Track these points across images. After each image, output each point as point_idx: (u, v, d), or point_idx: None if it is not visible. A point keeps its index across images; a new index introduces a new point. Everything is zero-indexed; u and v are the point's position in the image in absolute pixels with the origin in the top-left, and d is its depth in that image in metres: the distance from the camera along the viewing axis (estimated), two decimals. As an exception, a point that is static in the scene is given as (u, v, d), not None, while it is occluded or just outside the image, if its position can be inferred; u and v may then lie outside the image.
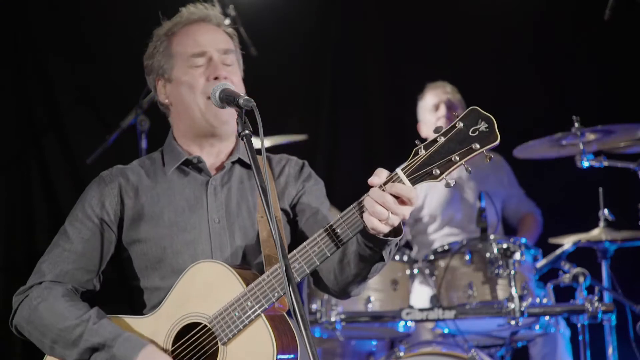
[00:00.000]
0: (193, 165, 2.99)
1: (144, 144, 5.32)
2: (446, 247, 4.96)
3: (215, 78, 2.91)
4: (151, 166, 3.04)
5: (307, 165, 3.10)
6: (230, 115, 2.89)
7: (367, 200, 2.49)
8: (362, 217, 2.52)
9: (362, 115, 6.90)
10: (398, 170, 2.50)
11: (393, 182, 2.48)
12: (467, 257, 4.84)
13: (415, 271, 5.09)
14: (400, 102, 6.60)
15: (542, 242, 5.55)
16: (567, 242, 4.97)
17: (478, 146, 2.45)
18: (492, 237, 4.80)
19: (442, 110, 5.85)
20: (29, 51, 6.11)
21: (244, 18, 5.50)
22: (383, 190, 2.47)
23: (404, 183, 2.48)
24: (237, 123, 2.58)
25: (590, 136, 4.84)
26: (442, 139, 2.48)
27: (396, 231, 2.58)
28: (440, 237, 5.84)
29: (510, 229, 6.07)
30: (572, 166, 4.92)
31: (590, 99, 6.30)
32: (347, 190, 6.45)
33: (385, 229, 2.50)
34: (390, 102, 6.81)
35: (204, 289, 2.73)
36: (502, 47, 6.51)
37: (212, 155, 3.02)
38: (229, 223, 2.92)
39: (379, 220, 2.48)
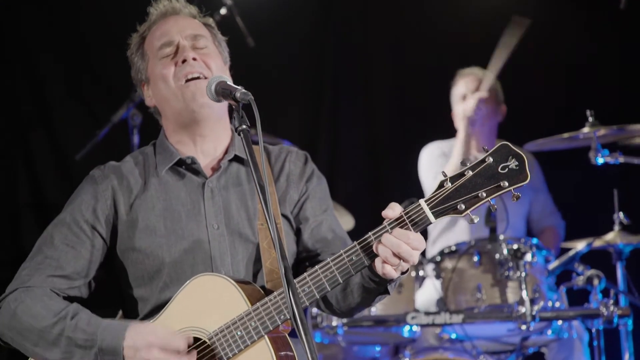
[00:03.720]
0: (187, 166, 2.96)
1: (136, 139, 5.31)
2: (453, 248, 4.93)
3: (184, 61, 2.91)
4: (145, 164, 2.99)
5: (309, 158, 3.07)
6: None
7: (381, 248, 2.52)
8: (366, 256, 2.56)
9: (364, 110, 6.87)
10: (421, 202, 2.53)
11: (415, 214, 2.52)
12: (476, 259, 4.81)
13: (421, 273, 5.06)
14: (404, 96, 6.58)
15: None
16: (580, 244, 4.94)
17: (507, 184, 2.49)
18: (501, 237, 4.77)
19: (469, 101, 5.70)
20: (16, 43, 6.16)
21: (241, 7, 5.48)
22: (395, 236, 2.50)
23: (427, 216, 2.52)
24: (234, 117, 2.55)
25: (604, 131, 4.82)
26: (469, 173, 2.51)
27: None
28: (448, 236, 5.82)
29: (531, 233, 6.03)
30: (585, 163, 4.90)
31: (607, 95, 6.28)
32: (348, 189, 6.44)
33: (396, 275, 2.57)
34: (393, 97, 6.79)
35: (206, 303, 2.71)
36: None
37: (207, 153, 2.98)
38: (229, 229, 2.89)
39: (392, 266, 2.53)
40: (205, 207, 2.90)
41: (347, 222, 5.51)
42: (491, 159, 2.51)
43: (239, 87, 2.58)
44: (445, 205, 2.51)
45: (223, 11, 5.36)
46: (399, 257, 2.51)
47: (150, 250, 2.86)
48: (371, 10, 6.76)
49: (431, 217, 2.51)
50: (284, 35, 6.55)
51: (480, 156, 2.54)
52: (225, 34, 3.16)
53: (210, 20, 3.10)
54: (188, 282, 2.74)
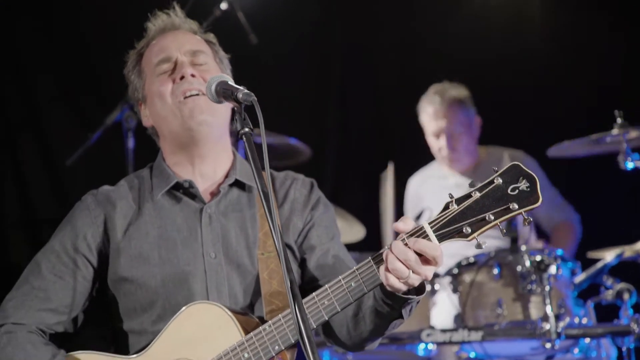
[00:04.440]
0: (184, 190, 2.97)
1: (130, 143, 5.30)
2: (472, 260, 4.90)
3: (182, 78, 2.93)
4: (140, 188, 3.00)
5: (316, 186, 3.07)
6: (209, 113, 2.90)
7: (389, 255, 2.48)
8: (379, 270, 2.53)
9: (375, 111, 6.89)
10: (425, 224, 2.50)
11: (418, 236, 2.48)
12: (496, 271, 4.79)
13: (437, 287, 5.06)
14: (416, 98, 6.60)
15: (580, 254, 5.51)
16: (609, 255, 4.93)
17: (516, 206, 2.45)
18: (523, 248, 4.76)
19: (443, 141, 5.86)
20: (4, 42, 6.17)
21: (243, 1, 5.49)
22: (406, 244, 2.47)
23: (430, 239, 2.48)
24: (236, 120, 2.53)
25: (634, 133, 4.81)
26: (476, 194, 2.48)
27: (418, 289, 2.58)
28: (466, 247, 5.82)
29: (544, 236, 6.03)
30: (614, 168, 4.89)
31: (637, 94, 6.28)
32: (358, 197, 6.44)
33: (403, 288, 2.51)
34: (405, 97, 6.80)
35: (199, 333, 2.71)
36: (526, 41, 6.52)
37: (206, 176, 2.99)
38: (227, 258, 2.89)
39: (398, 279, 2.48)
40: (203, 234, 2.90)
41: (357, 232, 5.52)
42: (500, 180, 2.48)
43: (241, 88, 2.56)
44: (450, 228, 2.47)
45: (224, 6, 5.31)
46: (406, 265, 2.46)
47: (143, 281, 2.86)
48: (378, 4, 6.79)
49: (435, 241, 2.47)
50: (288, 30, 6.57)
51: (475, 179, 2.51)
52: (226, 30, 3.18)
53: (212, 36, 3.12)
54: (182, 309, 2.74)
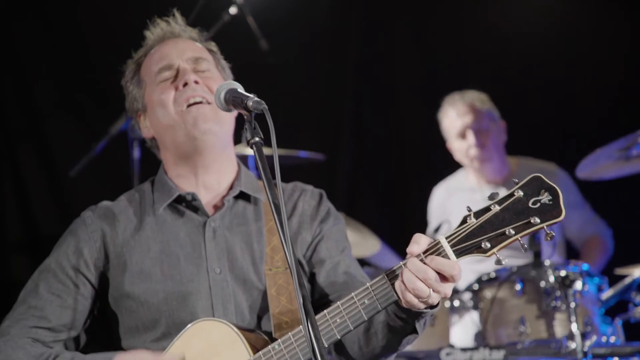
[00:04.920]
0: (187, 203, 2.98)
1: (136, 153, 5.33)
2: (493, 275, 4.91)
3: (185, 85, 2.96)
4: (141, 203, 3.02)
5: (325, 197, 3.09)
6: (215, 122, 2.92)
7: (406, 274, 2.48)
8: (394, 287, 2.53)
9: (390, 121, 6.90)
10: (442, 239, 2.51)
11: (435, 253, 2.49)
12: (518, 287, 4.79)
13: (457, 303, 5.06)
14: (435, 105, 6.61)
15: (608, 270, 5.49)
16: (638, 271, 4.92)
17: (538, 220, 2.46)
18: (547, 263, 4.76)
19: (471, 138, 5.82)
20: (4, 48, 6.17)
21: (253, 5, 5.51)
22: (423, 261, 2.48)
23: (447, 255, 2.48)
24: (245, 129, 2.54)
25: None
26: (496, 208, 2.48)
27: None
28: (486, 261, 5.81)
29: (574, 254, 6.00)
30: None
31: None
32: (371, 216, 6.43)
33: (422, 307, 2.52)
34: (424, 109, 6.81)
35: (206, 351, 2.71)
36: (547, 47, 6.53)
37: (210, 188, 3.00)
38: (232, 274, 2.90)
39: (417, 298, 2.49)
40: (207, 249, 2.92)
41: (372, 245, 5.52)
42: (521, 193, 2.48)
43: (251, 95, 2.56)
44: (468, 243, 2.48)
45: (233, 10, 5.33)
46: (427, 284, 2.46)
47: (145, 298, 2.86)
48: (394, 7, 6.80)
49: (452, 257, 2.48)
50: (300, 36, 6.59)
51: (499, 190, 2.51)
52: (236, 35, 3.21)
53: (212, 44, 3.17)
54: (188, 326, 2.75)
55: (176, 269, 2.89)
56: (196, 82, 2.97)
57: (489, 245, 2.47)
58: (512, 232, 2.45)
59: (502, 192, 2.53)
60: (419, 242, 2.51)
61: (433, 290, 2.48)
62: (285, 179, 3.01)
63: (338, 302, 2.60)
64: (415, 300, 2.49)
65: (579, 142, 5.97)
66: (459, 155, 5.93)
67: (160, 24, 3.12)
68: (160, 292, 2.87)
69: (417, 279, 2.46)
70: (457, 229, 2.50)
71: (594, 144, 5.11)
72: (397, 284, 2.51)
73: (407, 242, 2.62)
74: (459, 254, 2.49)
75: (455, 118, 5.87)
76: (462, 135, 5.86)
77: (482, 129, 5.82)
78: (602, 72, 6.48)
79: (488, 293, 4.88)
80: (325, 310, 2.60)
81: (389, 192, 6.22)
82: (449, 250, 2.49)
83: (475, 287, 4.95)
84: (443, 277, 2.48)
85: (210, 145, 2.96)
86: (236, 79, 3.05)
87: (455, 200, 5.94)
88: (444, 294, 2.50)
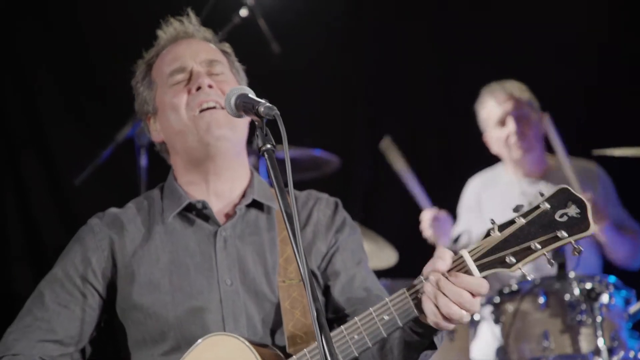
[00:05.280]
0: (198, 211, 2.97)
1: (143, 160, 5.32)
2: (515, 287, 4.89)
3: (198, 88, 2.95)
4: (149, 210, 3.01)
5: (341, 207, 3.07)
6: (228, 127, 2.90)
7: (439, 297, 2.46)
8: (414, 303, 2.52)
9: (407, 124, 6.88)
10: (464, 253, 2.50)
11: (457, 268, 2.48)
12: (542, 300, 4.78)
13: (477, 317, 5.04)
14: (455, 110, 6.58)
15: (636, 282, 5.45)
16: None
17: (565, 234, 2.45)
18: (572, 275, 4.74)
19: (511, 125, 5.74)
20: (6, 51, 6.18)
21: (264, 7, 5.51)
22: (448, 279, 2.46)
23: (470, 270, 2.47)
24: (257, 136, 2.53)
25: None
26: (521, 221, 2.47)
27: None
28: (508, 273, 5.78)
29: (609, 267, 5.93)
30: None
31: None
32: (388, 224, 6.42)
33: (451, 327, 2.51)
34: (442, 112, 6.79)
35: None
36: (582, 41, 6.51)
37: (221, 196, 2.99)
38: (244, 286, 2.88)
39: (448, 320, 2.47)
40: (217, 259, 2.90)
41: (389, 256, 5.51)
42: (547, 205, 2.47)
43: (263, 101, 2.55)
44: (492, 257, 2.47)
45: (243, 12, 5.32)
46: (462, 307, 2.45)
47: (154, 310, 2.85)
48: (411, 7, 6.80)
49: (476, 272, 2.47)
50: (313, 38, 6.59)
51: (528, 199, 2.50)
52: (247, 38, 3.21)
53: (227, 46, 3.15)
54: (199, 341, 2.73)
55: (186, 280, 2.88)
56: (210, 86, 2.96)
57: (513, 260, 2.45)
58: (538, 246, 2.44)
59: (541, 188, 2.51)
60: (444, 258, 2.49)
61: (466, 311, 2.47)
62: (299, 188, 3.01)
63: (355, 318, 2.57)
64: (445, 323, 2.48)
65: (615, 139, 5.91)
66: (496, 146, 5.85)
67: (174, 23, 3.11)
68: (169, 304, 2.85)
69: (452, 303, 2.46)
70: (481, 243, 2.49)
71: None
72: (426, 305, 2.49)
73: (426, 253, 2.60)
74: (483, 268, 2.48)
75: (494, 106, 5.80)
76: (502, 123, 5.77)
77: (522, 117, 5.74)
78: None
79: (510, 306, 4.86)
80: (342, 326, 2.57)
81: (406, 200, 6.19)
82: (472, 265, 2.48)
83: (497, 300, 4.93)
84: (471, 296, 2.48)
85: (223, 152, 2.94)
86: (247, 84, 3.06)
87: (490, 193, 5.85)
88: (474, 312, 2.49)
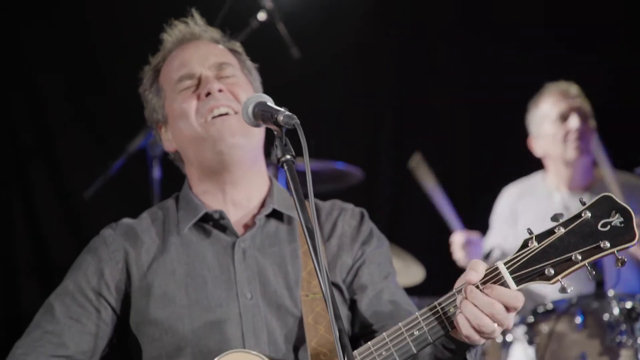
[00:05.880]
0: (214, 222, 2.97)
1: (156, 173, 5.34)
2: (550, 306, 4.89)
3: (208, 94, 2.96)
4: (164, 221, 3.02)
5: (367, 217, 3.05)
6: (242, 134, 2.91)
7: (470, 308, 2.45)
8: (446, 317, 2.51)
9: (435, 133, 6.88)
10: (500, 265, 2.48)
11: (492, 281, 2.47)
12: (579, 320, 4.76)
13: (509, 338, 5.01)
14: (490, 118, 6.57)
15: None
16: None
17: (608, 245, 2.43)
18: (611, 293, 4.72)
19: (575, 121, 5.70)
20: (13, 59, 6.23)
21: (283, 10, 5.52)
22: (482, 291, 2.45)
23: (506, 283, 2.46)
24: (276, 146, 2.52)
25: None
26: (561, 230, 2.46)
27: None
28: (544, 290, 5.76)
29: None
30: None
31: None
32: (414, 239, 6.42)
33: (483, 341, 2.50)
34: (473, 122, 6.79)
35: None
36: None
37: (239, 205, 2.99)
38: (265, 299, 2.87)
39: (480, 334, 2.46)
40: (236, 272, 2.90)
41: (416, 273, 5.50)
42: (589, 214, 2.46)
43: (282, 109, 2.54)
44: (529, 269, 2.45)
45: (262, 16, 5.33)
46: (494, 320, 2.44)
47: (169, 324, 2.85)
48: (439, 12, 6.80)
49: (512, 285, 2.45)
50: (335, 43, 6.62)
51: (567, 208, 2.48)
52: (265, 43, 3.22)
53: (237, 45, 3.16)
54: (217, 358, 2.71)
55: (203, 294, 2.87)
56: (220, 91, 2.97)
57: (552, 271, 2.44)
58: (579, 257, 2.43)
59: (585, 199, 2.50)
60: (477, 270, 2.47)
61: (498, 324, 2.45)
62: (320, 199, 3.01)
63: (384, 334, 2.55)
64: (477, 336, 2.47)
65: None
66: (548, 146, 5.80)
67: (178, 25, 3.12)
68: (185, 318, 2.85)
69: (483, 314, 2.44)
70: (517, 254, 2.47)
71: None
72: (457, 318, 2.47)
73: (454, 269, 2.60)
74: (519, 281, 2.46)
75: (558, 100, 5.76)
76: (564, 118, 5.73)
77: (585, 117, 5.72)
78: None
79: (545, 327, 4.85)
80: (369, 342, 2.56)
81: (433, 214, 6.19)
82: (508, 278, 2.46)
83: (531, 319, 4.91)
84: (505, 308, 2.46)
85: (239, 160, 2.94)
86: (264, 91, 3.02)
87: (527, 203, 5.81)
88: (507, 327, 2.47)
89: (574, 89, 5.80)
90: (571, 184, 5.76)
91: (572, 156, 5.70)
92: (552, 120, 5.77)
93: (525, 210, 5.81)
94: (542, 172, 5.92)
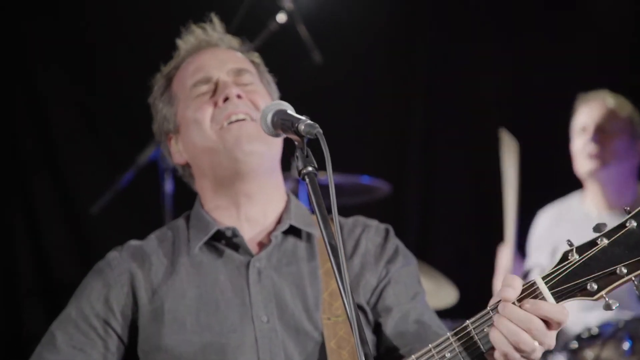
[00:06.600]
0: (227, 240, 2.96)
1: (168, 186, 5.35)
2: (595, 331, 4.87)
3: (226, 100, 2.95)
4: (174, 241, 3.01)
5: (392, 234, 3.04)
6: (260, 142, 2.90)
7: (505, 323, 2.41)
8: (480, 338, 2.47)
9: (467, 142, 6.86)
10: (537, 279, 2.44)
11: (529, 297, 2.43)
12: (626, 346, 4.76)
13: (551, 365, 5.00)
14: (529, 125, 6.54)
15: None
16: None
17: None
18: (660, 317, 4.69)
19: (589, 132, 5.71)
20: (16, 65, 6.27)
21: (304, 12, 5.52)
22: (520, 307, 2.41)
23: (544, 299, 2.42)
24: (296, 157, 2.51)
25: None
26: (604, 242, 2.43)
27: None
28: (589, 313, 5.73)
29: None
30: None
31: None
32: (446, 257, 6.39)
33: None
34: (515, 126, 6.75)
35: None
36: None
37: (254, 221, 2.99)
38: (282, 322, 2.86)
39: (519, 352, 2.41)
40: (251, 294, 2.89)
41: (448, 295, 5.47)
42: (634, 223, 2.42)
43: (303, 118, 2.52)
44: (570, 284, 2.42)
45: (281, 18, 5.35)
46: (532, 336, 2.40)
47: (180, 351, 2.84)
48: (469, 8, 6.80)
49: (551, 301, 2.42)
50: (360, 47, 6.62)
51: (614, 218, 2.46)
52: (285, 47, 3.21)
53: (256, 56, 3.17)
54: None
55: (214, 318, 2.86)
56: (239, 97, 2.96)
57: (595, 286, 2.40)
58: (624, 270, 2.39)
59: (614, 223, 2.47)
60: (513, 286, 2.43)
61: (538, 343, 2.41)
62: (344, 214, 3.00)
63: (413, 356, 2.52)
64: (516, 356, 2.42)
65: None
66: (576, 162, 5.79)
67: (195, 31, 3.12)
68: (196, 344, 2.84)
69: (520, 330, 2.39)
70: (556, 268, 2.44)
71: None
72: (493, 335, 2.43)
73: (490, 290, 2.58)
74: (559, 297, 2.42)
75: (582, 112, 5.76)
76: (583, 129, 5.73)
77: (607, 128, 5.67)
78: None
79: (590, 353, 4.83)
80: None
81: (466, 231, 6.18)
82: (547, 293, 2.42)
83: (574, 345, 4.89)
84: (547, 325, 2.42)
85: (255, 169, 2.93)
86: (284, 98, 2.94)
87: (565, 227, 5.74)
88: (549, 346, 2.43)
89: (607, 98, 5.77)
90: (610, 203, 5.71)
91: (588, 168, 5.69)
92: (575, 135, 5.79)
93: (563, 234, 5.76)
94: (579, 192, 5.87)
